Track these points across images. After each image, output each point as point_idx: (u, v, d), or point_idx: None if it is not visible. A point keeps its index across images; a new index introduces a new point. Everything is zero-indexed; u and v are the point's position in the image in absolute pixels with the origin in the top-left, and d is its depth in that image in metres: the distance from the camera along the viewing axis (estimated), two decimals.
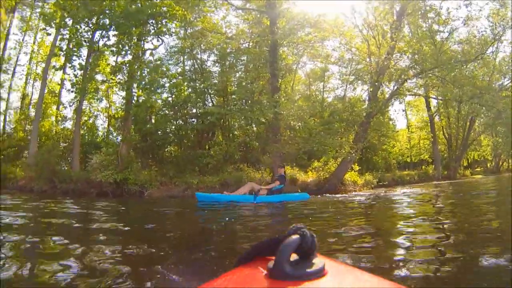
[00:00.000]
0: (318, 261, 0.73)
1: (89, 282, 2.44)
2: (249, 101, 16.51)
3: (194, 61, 18.09)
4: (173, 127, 17.68)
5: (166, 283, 2.37)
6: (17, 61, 23.85)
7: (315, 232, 0.76)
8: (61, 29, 16.46)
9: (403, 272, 2.53)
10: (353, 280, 0.73)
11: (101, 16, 14.78)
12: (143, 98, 15.79)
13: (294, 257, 0.73)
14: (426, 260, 2.83)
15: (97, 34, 15.55)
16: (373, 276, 0.74)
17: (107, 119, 21.87)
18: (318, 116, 19.10)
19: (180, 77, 17.06)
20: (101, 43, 15.66)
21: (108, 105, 21.27)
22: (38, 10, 25.26)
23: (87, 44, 15.70)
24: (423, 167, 28.96)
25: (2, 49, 22.14)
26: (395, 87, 16.45)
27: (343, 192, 14.64)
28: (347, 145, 14.95)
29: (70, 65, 15.56)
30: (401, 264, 2.76)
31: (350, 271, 0.78)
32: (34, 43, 24.62)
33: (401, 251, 3.27)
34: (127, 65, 15.33)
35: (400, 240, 3.78)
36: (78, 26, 15.45)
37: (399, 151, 31.34)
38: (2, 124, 22.26)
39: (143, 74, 14.89)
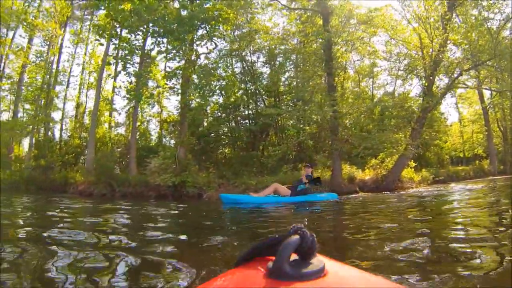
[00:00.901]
0: (318, 261, 0.73)
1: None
2: (301, 101, 16.38)
3: (244, 63, 18.15)
4: (225, 129, 17.81)
5: None
6: (70, 72, 24.97)
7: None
8: (113, 39, 16.99)
9: (403, 272, 2.47)
10: (353, 280, 0.72)
11: (150, 24, 15.06)
12: (200, 102, 16.00)
13: (294, 257, 0.72)
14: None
15: (151, 41, 15.92)
16: (373, 276, 0.74)
17: (159, 124, 22.32)
18: (368, 113, 18.74)
19: (234, 78, 17.08)
20: (155, 50, 16.04)
21: (159, 110, 21.70)
22: (87, 23, 26.44)
23: (139, 51, 16.10)
24: (477, 162, 27.72)
25: (57, 62, 23.17)
26: (450, 81, 15.86)
27: (400, 189, 14.31)
28: (404, 142, 14.57)
29: (125, 72, 15.96)
30: (401, 264, 2.70)
31: (350, 271, 0.77)
32: (85, 54, 25.65)
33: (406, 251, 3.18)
34: (182, 70, 15.52)
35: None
36: (132, 35, 15.91)
37: (451, 146, 30.24)
38: (59, 132, 23.31)
39: (200, 77, 15.03)
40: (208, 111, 17.91)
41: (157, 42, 15.46)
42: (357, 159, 16.70)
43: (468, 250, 3.15)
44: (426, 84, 15.63)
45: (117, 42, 16.53)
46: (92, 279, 2.54)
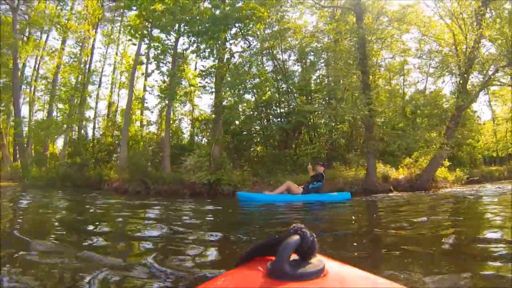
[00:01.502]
0: (318, 261, 0.73)
1: None
2: (333, 100, 16.35)
3: (275, 61, 18.18)
4: (258, 127, 17.90)
5: None
6: (102, 72, 25.57)
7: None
8: (145, 39, 17.29)
9: (405, 273, 2.45)
10: (353, 280, 0.72)
11: (182, 24, 15.26)
12: (235, 100, 16.15)
13: (294, 257, 0.72)
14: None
15: (184, 40, 16.15)
16: (373, 276, 0.73)
17: (190, 122, 22.61)
18: (400, 111, 18.51)
19: (267, 76, 17.12)
20: (188, 49, 16.23)
21: (191, 109, 21.97)
22: (118, 24, 27.04)
23: (171, 51, 16.34)
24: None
25: (89, 62, 23.75)
26: (486, 78, 15.51)
27: (434, 189, 14.11)
28: (438, 140, 14.34)
29: (158, 71, 16.22)
30: (402, 265, 2.70)
31: (350, 271, 0.77)
32: (116, 54, 26.22)
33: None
34: (216, 68, 15.68)
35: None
36: (164, 35, 16.16)
37: (484, 145, 29.48)
38: (92, 130, 23.90)
39: (234, 76, 15.15)
40: (240, 110, 17.99)
41: (191, 41, 15.64)
42: (389, 158, 16.55)
43: (493, 251, 3.12)
44: (461, 82, 15.35)
45: (149, 42, 16.77)
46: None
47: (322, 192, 10.00)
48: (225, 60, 15.84)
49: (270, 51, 17.45)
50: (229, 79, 15.24)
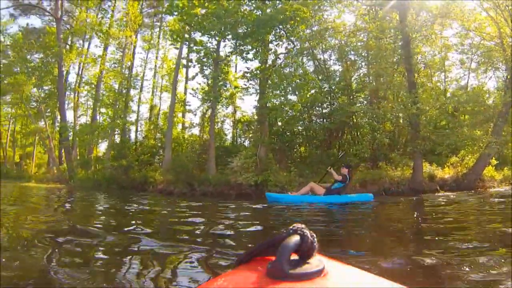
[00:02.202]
0: (318, 261, 0.72)
1: None
2: (375, 99, 16.23)
3: (316, 61, 18.17)
4: (300, 127, 17.95)
5: None
6: (143, 76, 26.28)
7: None
8: (187, 42, 17.68)
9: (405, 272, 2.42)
10: (353, 280, 0.72)
11: (226, 27, 15.50)
12: (282, 101, 16.30)
13: (294, 257, 0.72)
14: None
15: (227, 43, 16.46)
16: (373, 276, 0.74)
17: (233, 124, 22.90)
18: (443, 109, 18.09)
19: (311, 76, 17.10)
20: (231, 51, 16.49)
21: (233, 110, 22.26)
22: (157, 30, 27.78)
23: (214, 54, 16.64)
24: None
25: (130, 67, 24.48)
26: None
27: (482, 188, 13.77)
28: (485, 138, 13.99)
29: (202, 74, 16.56)
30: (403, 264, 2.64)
31: (350, 271, 0.77)
32: (156, 58, 26.94)
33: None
34: (261, 70, 15.87)
35: None
36: (206, 38, 16.51)
37: None
38: (134, 133, 24.61)
39: (280, 77, 15.31)
40: (279, 110, 18.02)
41: (237, 44, 15.88)
42: (433, 157, 16.26)
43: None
44: (509, 76, 14.92)
45: (191, 45, 17.12)
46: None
47: (345, 193, 10.09)
48: (270, 61, 16.00)
49: (311, 51, 17.42)
50: (275, 80, 15.39)
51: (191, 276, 2.50)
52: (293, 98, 17.22)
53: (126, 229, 4.74)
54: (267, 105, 16.07)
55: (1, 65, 27.03)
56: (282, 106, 16.60)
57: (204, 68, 16.52)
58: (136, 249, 3.54)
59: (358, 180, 13.42)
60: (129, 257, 3.18)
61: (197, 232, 4.72)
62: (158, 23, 28.13)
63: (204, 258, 3.05)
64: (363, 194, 10.50)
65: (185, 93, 24.28)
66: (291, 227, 0.75)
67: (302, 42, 17.03)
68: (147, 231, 4.65)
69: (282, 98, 16.28)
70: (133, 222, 5.43)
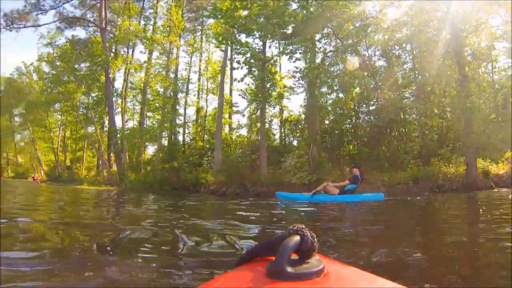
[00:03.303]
0: (318, 261, 0.73)
1: None
2: (423, 94, 16.05)
3: (361, 58, 18.02)
4: (348, 125, 17.91)
5: None
6: (188, 80, 26.95)
7: None
8: (232, 45, 18.04)
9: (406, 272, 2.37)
10: (353, 280, 0.73)
11: (270, 29, 15.73)
12: (333, 99, 16.41)
13: (294, 257, 0.72)
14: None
15: (274, 44, 16.69)
16: (373, 276, 0.74)
17: (280, 123, 23.17)
18: (491, 101, 17.58)
19: (358, 73, 17.01)
20: (279, 52, 16.72)
21: (280, 110, 22.50)
22: (198, 33, 28.46)
23: (261, 54, 16.91)
24: None
25: (175, 71, 25.21)
26: None
27: None
28: None
29: (251, 75, 16.88)
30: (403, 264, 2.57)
31: (350, 271, 0.77)
32: (200, 61, 27.58)
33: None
34: (310, 69, 16.03)
35: None
36: (252, 39, 16.82)
37: None
38: (181, 136, 25.32)
39: (331, 76, 15.43)
40: (330, 109, 18.05)
41: (285, 43, 16.10)
42: (486, 152, 15.85)
43: None
44: None
45: (237, 47, 17.48)
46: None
47: (357, 193, 10.27)
48: (319, 60, 16.09)
49: (355, 48, 17.34)
50: (325, 79, 15.49)
51: (191, 276, 2.44)
52: (341, 96, 17.24)
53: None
54: (317, 103, 16.18)
55: (51, 76, 28.60)
56: (335, 105, 16.60)
57: (252, 69, 16.78)
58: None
59: (410, 177, 13.34)
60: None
61: None
62: (200, 27, 28.86)
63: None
64: (374, 193, 10.60)
65: (230, 94, 24.79)
66: (291, 227, 0.77)
67: (345, 39, 16.98)
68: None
69: (334, 95, 16.30)
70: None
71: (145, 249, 3.41)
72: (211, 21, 25.89)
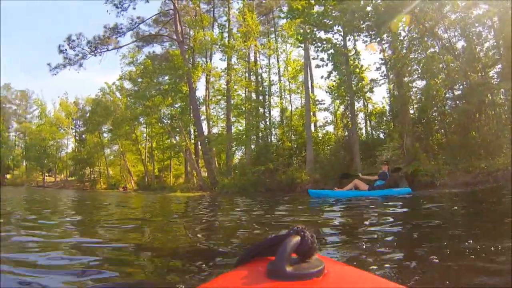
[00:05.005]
0: (318, 261, 0.74)
1: None
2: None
3: (440, 41, 17.25)
4: (435, 113, 17.38)
5: None
6: (270, 82, 27.85)
7: None
8: (313, 42, 18.20)
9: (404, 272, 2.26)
10: (353, 280, 0.73)
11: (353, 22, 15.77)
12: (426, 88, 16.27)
13: (294, 257, 0.74)
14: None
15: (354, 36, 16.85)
16: (373, 276, 0.75)
17: (365, 117, 23.23)
18: None
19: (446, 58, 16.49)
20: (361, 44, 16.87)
21: (365, 103, 22.48)
22: (272, 35, 29.31)
23: (343, 49, 17.06)
24: None
25: (256, 74, 26.08)
26: None
27: None
28: None
29: (337, 71, 17.14)
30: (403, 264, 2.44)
31: (350, 271, 0.79)
32: (278, 62, 28.36)
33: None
34: (395, 59, 16.14)
35: None
36: (332, 35, 17.08)
37: None
38: (269, 137, 26.15)
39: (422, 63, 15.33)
40: (421, 97, 17.56)
41: (370, 34, 16.23)
42: None
43: None
44: None
45: (318, 44, 17.53)
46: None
47: (385, 188, 11.16)
48: (404, 49, 16.04)
49: (433, 31, 16.62)
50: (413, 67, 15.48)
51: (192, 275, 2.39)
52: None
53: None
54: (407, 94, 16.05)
55: (134, 92, 30.73)
56: (426, 93, 16.27)
57: (338, 64, 16.99)
58: None
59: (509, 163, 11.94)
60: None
61: None
62: (273, 29, 29.61)
63: None
64: (403, 188, 11.29)
65: (312, 92, 25.22)
66: (291, 227, 0.78)
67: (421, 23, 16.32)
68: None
69: (420, 82, 16.15)
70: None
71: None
72: (282, 22, 26.67)
